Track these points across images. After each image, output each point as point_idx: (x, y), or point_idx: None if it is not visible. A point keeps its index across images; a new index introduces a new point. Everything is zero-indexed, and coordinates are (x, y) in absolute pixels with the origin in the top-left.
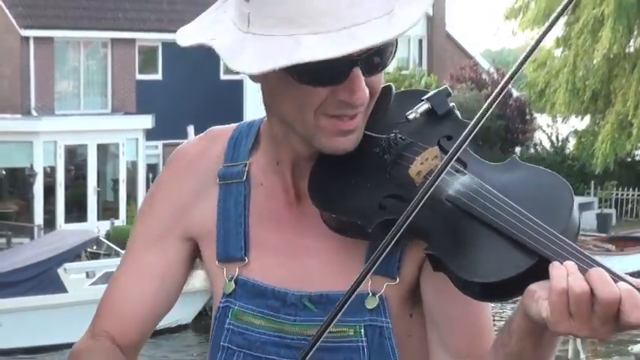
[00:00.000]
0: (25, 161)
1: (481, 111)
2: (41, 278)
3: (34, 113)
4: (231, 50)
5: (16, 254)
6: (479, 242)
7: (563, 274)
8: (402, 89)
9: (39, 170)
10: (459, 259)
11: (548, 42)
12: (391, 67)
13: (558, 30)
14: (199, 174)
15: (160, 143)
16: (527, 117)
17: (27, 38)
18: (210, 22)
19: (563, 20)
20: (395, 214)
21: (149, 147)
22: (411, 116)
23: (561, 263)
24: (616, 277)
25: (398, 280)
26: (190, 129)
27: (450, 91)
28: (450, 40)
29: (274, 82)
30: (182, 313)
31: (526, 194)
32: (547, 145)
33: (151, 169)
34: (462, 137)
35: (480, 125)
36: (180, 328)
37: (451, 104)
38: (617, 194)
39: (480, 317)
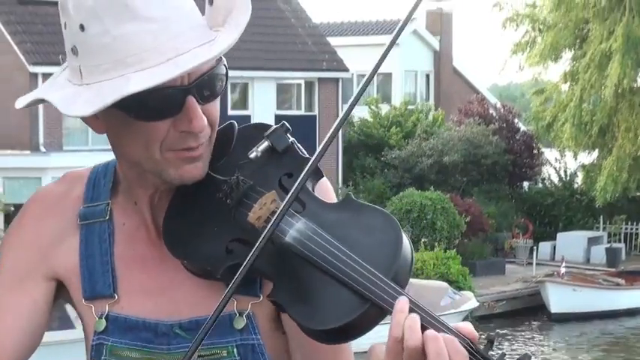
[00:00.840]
0: None
1: (319, 149)
2: None
3: (43, 149)
4: (66, 101)
5: None
6: (316, 288)
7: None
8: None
9: None
10: (299, 305)
11: (555, 76)
12: (398, 102)
13: (565, 65)
14: (60, 215)
15: None
16: (535, 151)
17: (35, 75)
18: (49, 82)
19: (569, 55)
20: (241, 259)
21: None
22: (252, 155)
23: (390, 308)
24: (435, 324)
25: (261, 297)
26: None
27: (289, 126)
28: (457, 75)
29: (116, 126)
30: None
31: (358, 237)
32: (555, 179)
33: None
34: (298, 181)
35: (315, 162)
36: None
37: (290, 140)
38: (626, 228)
39: (338, 353)
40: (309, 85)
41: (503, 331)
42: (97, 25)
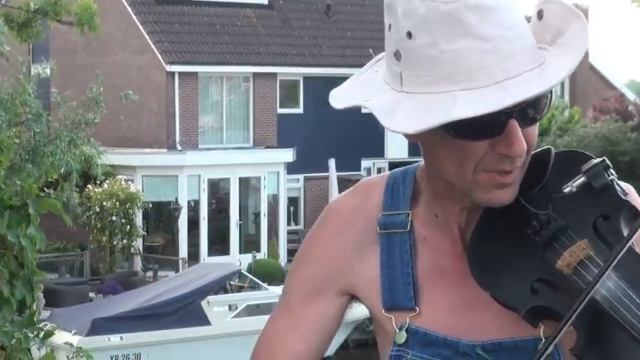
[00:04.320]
0: (171, 195)
1: None
2: (185, 311)
3: (179, 147)
4: (386, 110)
5: (161, 287)
6: (620, 352)
7: None
8: (563, 149)
9: (183, 204)
10: None
11: None
12: None
13: None
14: (357, 228)
15: (301, 177)
16: None
17: (172, 73)
18: (362, 81)
19: None
20: (545, 301)
21: (290, 180)
22: (566, 190)
23: None
24: None
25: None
26: (331, 162)
27: (609, 163)
28: (594, 71)
29: (432, 139)
30: None
31: None
32: None
33: (292, 202)
34: (626, 239)
35: None
36: None
37: (610, 178)
38: None
39: None
40: None
41: None
42: (426, 35)
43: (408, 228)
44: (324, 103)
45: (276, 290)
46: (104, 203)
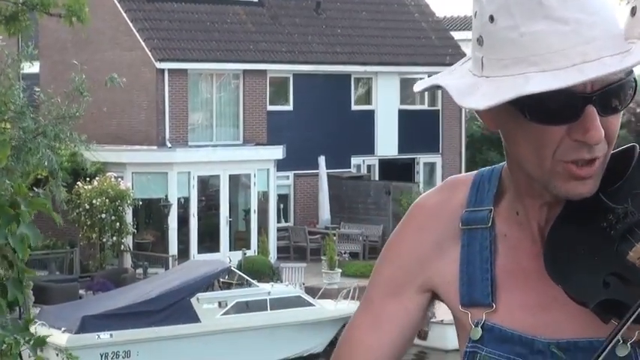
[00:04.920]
0: (161, 192)
1: None
2: (175, 308)
3: (169, 145)
4: (462, 91)
5: (151, 284)
6: None
7: None
8: None
9: (173, 201)
10: None
11: None
12: None
13: None
14: (441, 224)
15: (290, 174)
16: None
17: (162, 70)
18: (447, 72)
19: None
20: (616, 295)
21: (280, 177)
22: None
23: None
24: None
25: None
26: (321, 159)
27: None
28: None
29: (509, 124)
30: (314, 342)
31: None
32: None
33: (282, 199)
34: None
35: None
36: (311, 357)
37: None
38: None
39: None
40: None
41: None
42: (507, 18)
43: (490, 224)
44: (314, 100)
45: (266, 287)
46: (94, 200)
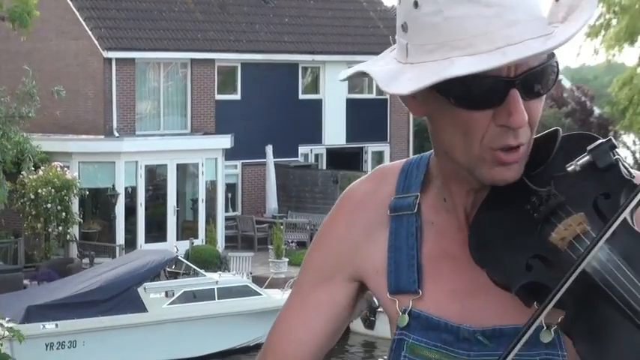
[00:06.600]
0: (108, 182)
1: None
2: (122, 297)
3: (116, 134)
4: (387, 77)
5: (97, 274)
6: (609, 328)
7: None
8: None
9: (121, 190)
10: (588, 343)
11: (629, 59)
12: None
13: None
14: (369, 212)
15: (238, 163)
16: (611, 134)
17: (109, 60)
18: (373, 60)
19: None
20: (539, 278)
21: (228, 167)
22: (570, 168)
23: None
24: None
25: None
26: (269, 148)
27: (615, 143)
28: None
29: (436, 111)
30: (261, 331)
31: None
32: (631, 162)
33: (230, 188)
34: (620, 210)
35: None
36: (259, 347)
37: (615, 157)
38: None
39: None
40: None
41: None
42: (431, 3)
43: (415, 210)
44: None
45: (213, 276)
46: (39, 190)
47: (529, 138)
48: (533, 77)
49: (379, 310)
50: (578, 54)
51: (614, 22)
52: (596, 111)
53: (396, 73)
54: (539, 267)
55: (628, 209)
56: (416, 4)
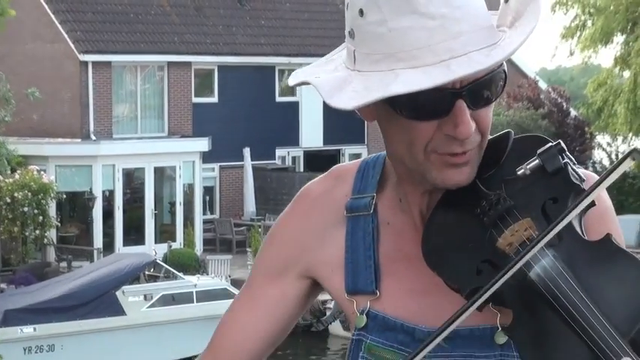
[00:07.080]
0: (85, 185)
1: (595, 184)
2: (100, 301)
3: (93, 137)
4: (331, 87)
5: (75, 277)
6: (551, 334)
7: None
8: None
9: (98, 194)
10: (531, 348)
11: (605, 61)
12: None
13: (617, 49)
14: (324, 212)
15: (216, 166)
16: (587, 135)
17: (85, 63)
18: (324, 61)
19: (621, 39)
20: (486, 283)
21: (206, 169)
22: (519, 172)
23: None
24: None
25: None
26: (246, 151)
27: (564, 147)
28: (508, 60)
29: (384, 118)
30: None
31: (605, 287)
32: (607, 163)
33: (208, 191)
34: (562, 216)
35: (589, 195)
36: None
37: (564, 161)
38: None
39: None
40: None
41: None
42: (376, 12)
43: (372, 210)
44: (238, 92)
45: (192, 280)
46: (15, 194)
47: (478, 143)
48: (481, 86)
49: None
50: (554, 55)
51: (589, 23)
52: (573, 112)
53: (342, 82)
54: (489, 271)
55: (572, 214)
56: (361, 12)
